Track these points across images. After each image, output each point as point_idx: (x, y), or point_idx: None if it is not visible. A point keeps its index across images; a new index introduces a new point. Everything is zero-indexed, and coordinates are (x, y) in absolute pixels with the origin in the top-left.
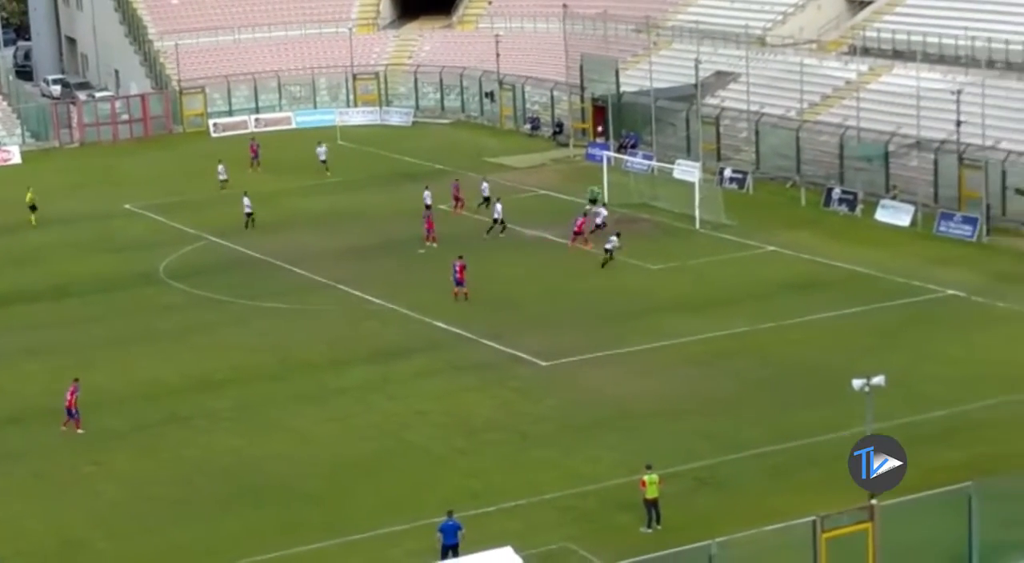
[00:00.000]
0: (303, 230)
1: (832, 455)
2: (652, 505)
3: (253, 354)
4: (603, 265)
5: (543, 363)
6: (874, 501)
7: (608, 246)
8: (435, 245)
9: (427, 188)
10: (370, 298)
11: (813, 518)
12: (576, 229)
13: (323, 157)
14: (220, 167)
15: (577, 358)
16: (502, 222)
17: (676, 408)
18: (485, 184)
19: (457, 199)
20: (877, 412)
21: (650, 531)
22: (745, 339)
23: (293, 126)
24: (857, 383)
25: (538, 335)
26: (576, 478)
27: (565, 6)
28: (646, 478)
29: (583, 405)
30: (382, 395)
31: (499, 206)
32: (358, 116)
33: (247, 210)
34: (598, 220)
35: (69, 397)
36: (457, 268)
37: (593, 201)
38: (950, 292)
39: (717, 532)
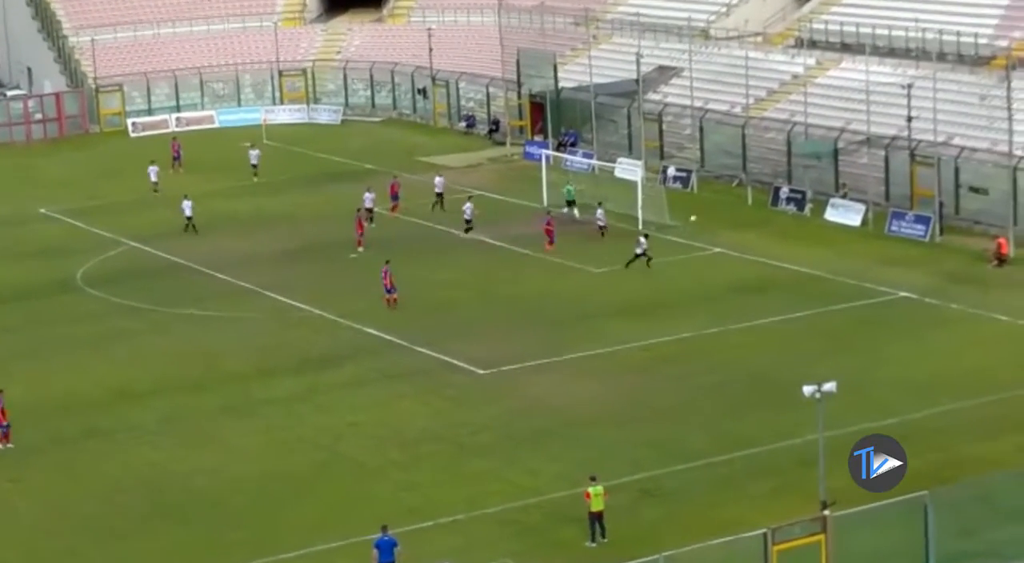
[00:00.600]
0: (228, 234)
1: (783, 464)
2: (597, 518)
3: (177, 364)
4: (627, 265)
5: (481, 371)
6: (827, 512)
7: (639, 250)
8: (361, 249)
9: (369, 190)
10: (298, 305)
11: (764, 530)
12: (546, 231)
13: (255, 161)
14: (151, 169)
15: (516, 365)
16: (469, 222)
17: (620, 417)
18: (439, 179)
19: (395, 199)
20: (829, 419)
21: (594, 545)
22: (691, 344)
23: (216, 125)
24: (808, 390)
25: (475, 341)
26: (517, 490)
27: None
28: (591, 490)
29: (523, 414)
30: (312, 406)
31: (469, 206)
32: (284, 114)
33: (188, 214)
34: (600, 223)
35: None
36: (383, 274)
37: (571, 203)
38: (902, 294)
39: (664, 545)
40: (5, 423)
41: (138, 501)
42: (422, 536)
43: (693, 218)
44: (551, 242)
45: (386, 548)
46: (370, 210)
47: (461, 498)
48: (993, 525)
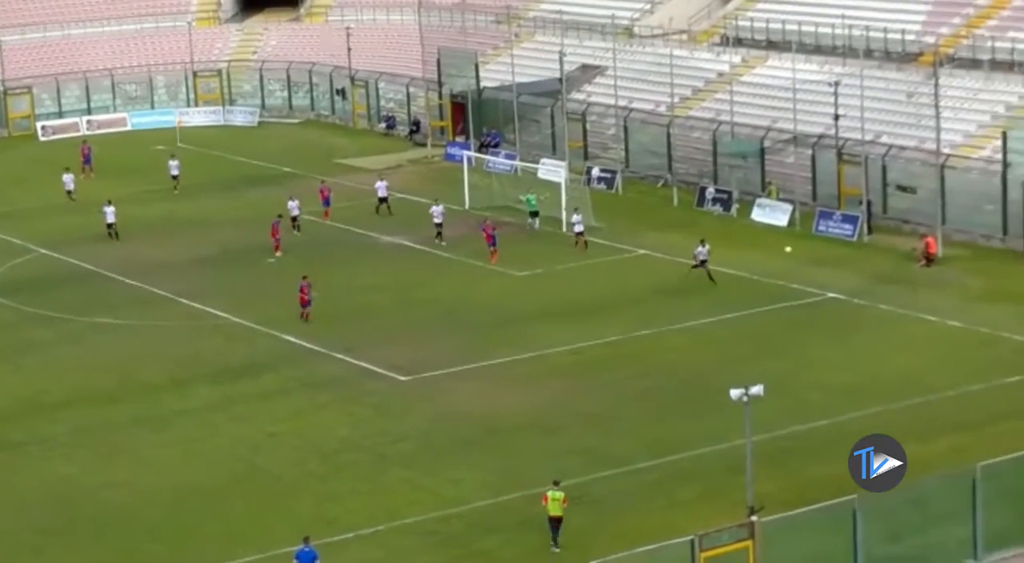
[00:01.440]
0: (142, 240)
1: (711, 469)
2: (555, 523)
3: (89, 374)
4: (690, 270)
5: (402, 378)
6: (755, 518)
7: (700, 257)
8: (279, 254)
9: (292, 199)
10: (215, 312)
11: (691, 537)
12: (487, 238)
13: (175, 172)
14: (66, 177)
15: (439, 372)
16: (439, 227)
17: (546, 423)
18: (382, 183)
19: (326, 203)
20: (757, 423)
21: (558, 550)
22: (618, 348)
23: (129, 128)
24: (735, 393)
25: (397, 348)
26: (439, 500)
27: None
28: (549, 494)
29: (446, 422)
30: (229, 417)
31: (438, 208)
32: (199, 116)
33: (110, 219)
34: (577, 228)
35: None
36: (301, 288)
37: (534, 214)
38: (830, 295)
39: (592, 553)
40: None
41: (50, 515)
42: (342, 548)
43: (788, 249)
44: (495, 251)
45: (307, 560)
46: (295, 218)
47: (382, 509)
48: (922, 529)
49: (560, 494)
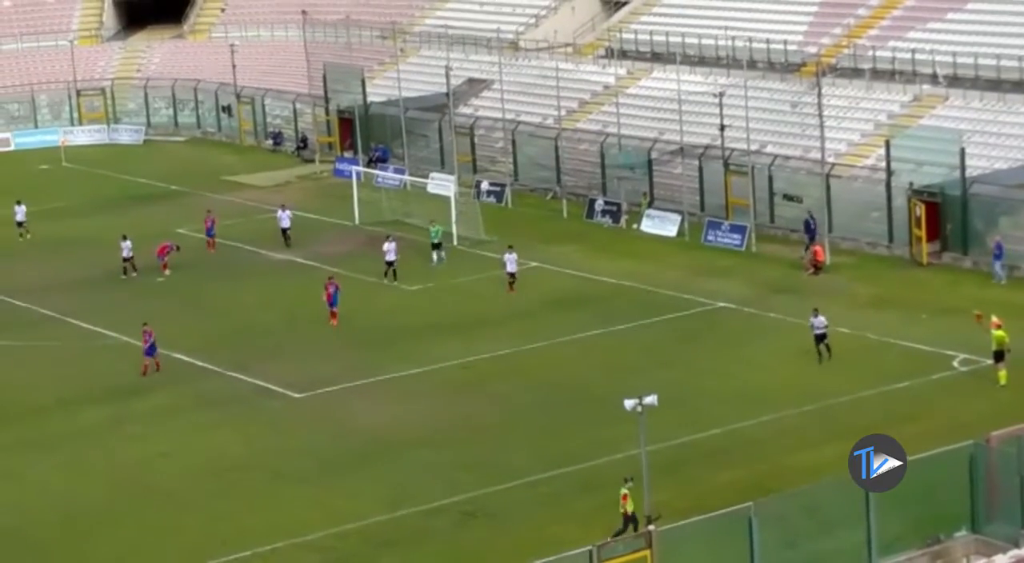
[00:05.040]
0: (26, 259)
1: (606, 480)
2: (629, 520)
3: None
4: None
5: (295, 394)
6: (652, 527)
7: (818, 329)
8: (167, 273)
9: (125, 239)
10: (103, 331)
11: (589, 547)
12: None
13: (20, 218)
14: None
15: (331, 388)
16: (392, 265)
17: (439, 437)
18: (284, 213)
19: (210, 234)
20: (652, 433)
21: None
22: (509, 361)
23: (12, 148)
24: (629, 403)
25: (288, 365)
26: (336, 517)
27: (304, 12)
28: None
29: (340, 438)
30: (120, 437)
31: (391, 245)
32: (84, 135)
33: (19, 218)
34: (510, 268)
35: None
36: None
37: (436, 245)
38: (720, 304)
39: None
40: None
41: None
42: None
43: (924, 317)
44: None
45: None
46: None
47: (278, 526)
48: (817, 535)
49: (624, 490)
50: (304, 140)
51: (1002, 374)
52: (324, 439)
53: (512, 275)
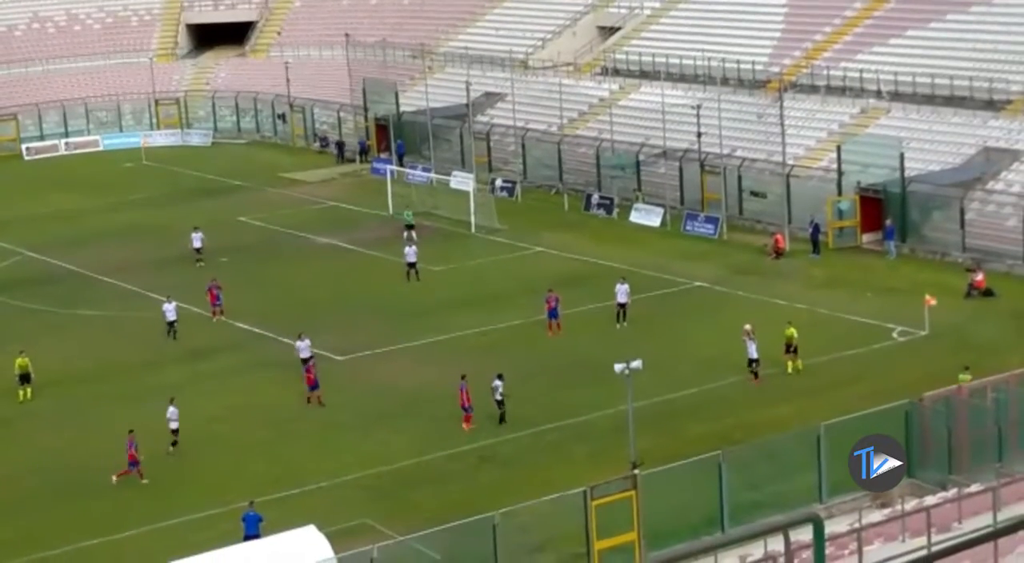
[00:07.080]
0: (114, 244)
1: (599, 431)
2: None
3: (70, 359)
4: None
5: (339, 357)
6: (636, 471)
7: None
8: (225, 260)
9: (196, 230)
10: (179, 305)
11: (584, 488)
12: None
13: (198, 244)
14: (194, 235)
15: (369, 352)
16: (413, 265)
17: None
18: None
19: (215, 303)
20: (637, 392)
21: None
22: (520, 331)
23: (101, 148)
24: (618, 367)
25: (333, 333)
26: (372, 459)
27: (347, 35)
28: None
29: (375, 394)
30: (194, 392)
31: (411, 249)
32: (161, 138)
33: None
34: (621, 298)
35: None
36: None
37: (410, 226)
38: (696, 284)
39: (500, 504)
40: None
41: (38, 481)
42: (289, 502)
43: (869, 295)
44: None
45: (252, 522)
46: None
47: (323, 468)
48: (777, 479)
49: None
50: (340, 145)
51: (790, 364)
52: (362, 395)
53: (622, 306)
